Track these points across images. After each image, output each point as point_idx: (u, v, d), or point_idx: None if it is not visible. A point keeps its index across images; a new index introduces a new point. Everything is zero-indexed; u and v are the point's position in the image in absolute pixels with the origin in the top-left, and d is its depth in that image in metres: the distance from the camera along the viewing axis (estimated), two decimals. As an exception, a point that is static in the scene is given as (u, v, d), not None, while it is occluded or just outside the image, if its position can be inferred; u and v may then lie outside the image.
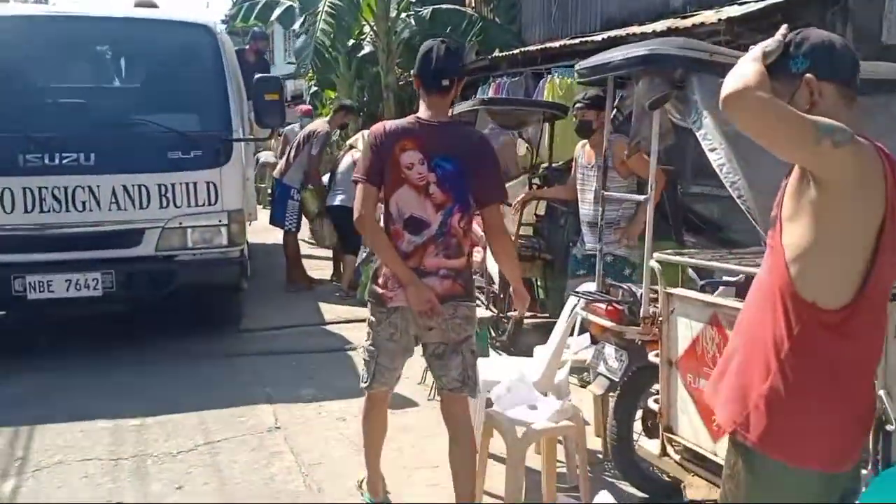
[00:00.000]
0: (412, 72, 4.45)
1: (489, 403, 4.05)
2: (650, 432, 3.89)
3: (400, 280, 3.33)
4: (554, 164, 6.79)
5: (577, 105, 5.47)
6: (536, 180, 7.05)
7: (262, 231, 10.22)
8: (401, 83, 13.50)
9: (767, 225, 3.12)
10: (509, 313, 6.22)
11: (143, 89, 6.68)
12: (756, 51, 2.08)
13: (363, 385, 3.63)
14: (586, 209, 5.52)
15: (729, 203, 6.81)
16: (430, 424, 4.64)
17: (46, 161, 5.70)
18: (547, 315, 6.42)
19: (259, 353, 6.38)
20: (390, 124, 3.41)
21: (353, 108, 9.88)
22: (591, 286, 4.35)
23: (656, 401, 3.68)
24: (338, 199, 8.41)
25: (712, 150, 3.36)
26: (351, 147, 8.77)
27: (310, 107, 14.18)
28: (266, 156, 13.81)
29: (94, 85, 6.62)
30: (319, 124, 8.88)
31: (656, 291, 3.63)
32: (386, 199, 3.39)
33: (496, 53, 10.21)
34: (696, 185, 7.40)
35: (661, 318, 3.51)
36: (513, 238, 6.18)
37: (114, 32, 6.53)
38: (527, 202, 6.20)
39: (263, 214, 10.22)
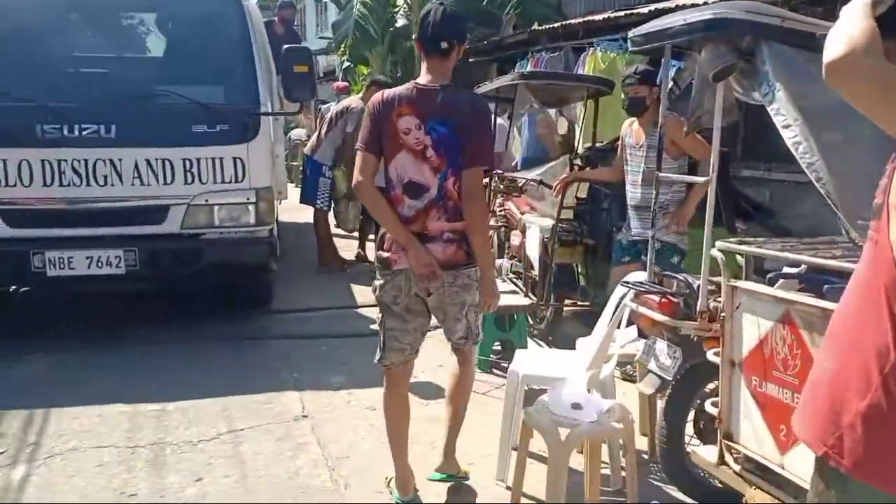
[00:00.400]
0: (413, 36, 4.27)
1: (527, 399, 3.78)
2: (704, 436, 3.58)
3: (401, 244, 3.35)
4: (597, 144, 6.43)
5: (628, 80, 5.13)
6: (578, 161, 6.70)
7: (293, 210, 10.00)
8: (435, 59, 13.12)
9: (853, 213, 2.86)
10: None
11: (167, 59, 6.42)
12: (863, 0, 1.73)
13: (377, 360, 3.57)
14: (633, 192, 5.20)
15: (783, 187, 6.55)
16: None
17: (65, 132, 5.47)
18: (588, 304, 6.08)
19: (288, 337, 6.14)
20: (389, 92, 3.42)
21: (387, 83, 9.50)
22: (639, 275, 4.02)
23: (714, 404, 3.35)
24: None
25: (786, 126, 3.01)
26: None
27: (346, 83, 13.89)
28: (298, 133, 13.56)
29: (114, 54, 6.36)
30: (354, 100, 8.57)
31: (715, 283, 3.31)
32: (386, 166, 3.39)
33: (534, 27, 9.80)
34: (747, 167, 7.03)
35: (723, 314, 3.18)
36: (554, 221, 5.85)
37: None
38: (568, 184, 5.86)
39: (294, 192, 9.96)
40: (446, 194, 3.34)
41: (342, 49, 14.38)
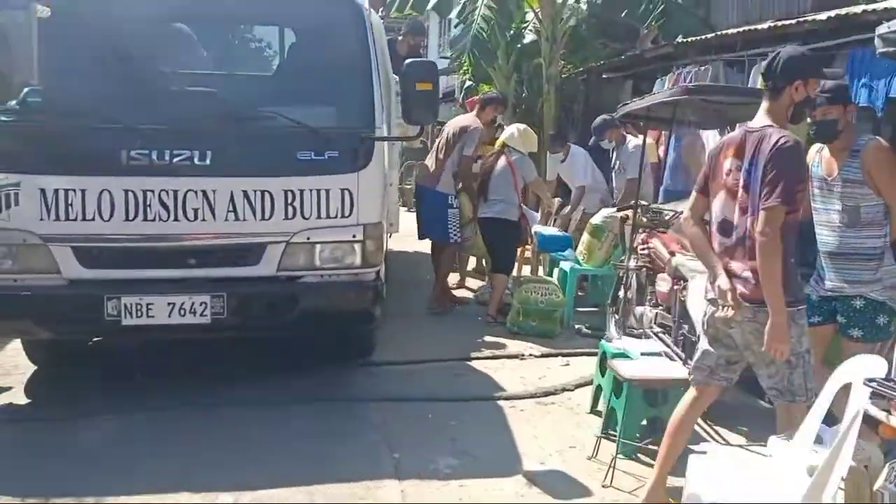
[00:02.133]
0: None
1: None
2: None
3: (710, 272, 3.60)
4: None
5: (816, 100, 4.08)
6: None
7: (401, 237, 9.13)
8: (564, 76, 12.20)
9: None
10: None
11: (270, 75, 5.71)
12: None
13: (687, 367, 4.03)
14: (828, 236, 4.14)
15: None
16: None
17: (154, 159, 4.76)
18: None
19: (389, 399, 5.27)
20: (730, 135, 3.72)
21: (501, 100, 8.70)
22: (875, 364, 2.92)
23: None
24: (493, 211, 7.26)
25: None
26: (505, 146, 7.56)
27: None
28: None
29: (212, 69, 5.69)
30: (470, 119, 7.76)
31: None
32: (710, 203, 3.66)
33: (679, 39, 8.72)
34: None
35: None
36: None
37: (237, 5, 5.51)
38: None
39: (406, 218, 9.13)
40: (748, 234, 3.43)
41: (463, 67, 13.59)
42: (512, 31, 12.80)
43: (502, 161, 7.40)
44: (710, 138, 7.58)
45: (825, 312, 4.20)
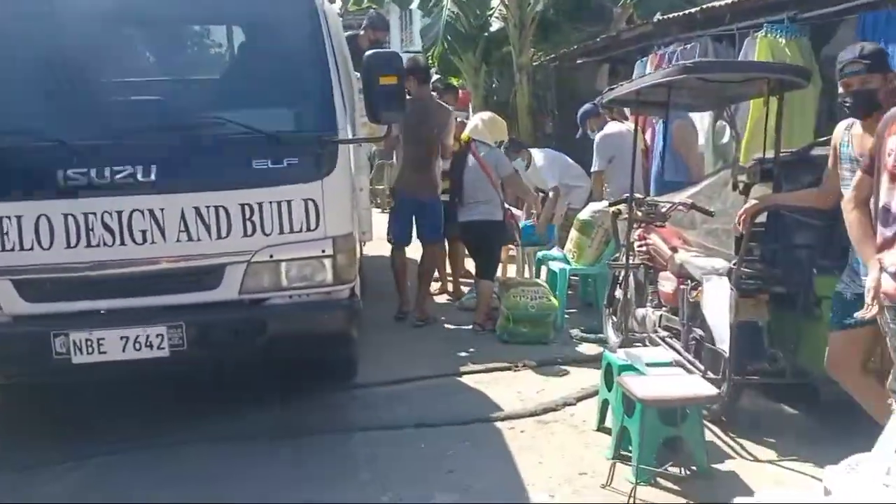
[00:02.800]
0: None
1: None
2: None
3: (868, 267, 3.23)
4: (783, 154, 4.80)
5: (850, 68, 3.59)
6: (744, 177, 5.10)
7: (376, 242, 8.50)
8: (535, 64, 11.73)
9: None
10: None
11: (219, 77, 5.17)
12: None
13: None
14: None
15: None
16: None
17: (94, 177, 4.24)
18: (784, 377, 4.44)
19: (377, 428, 4.74)
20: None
21: (454, 87, 8.34)
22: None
23: None
24: (475, 214, 6.73)
25: None
26: (471, 140, 6.99)
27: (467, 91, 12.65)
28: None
29: (154, 76, 5.13)
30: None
31: None
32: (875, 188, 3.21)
33: (658, 17, 8.23)
34: None
35: None
36: (732, 265, 4.35)
37: (180, 6, 4.91)
38: (757, 214, 4.31)
39: (380, 221, 8.52)
40: None
41: (431, 60, 13.09)
42: (478, 20, 12.29)
43: (471, 158, 6.85)
44: (699, 121, 7.16)
45: None
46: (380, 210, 10.93)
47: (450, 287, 8.09)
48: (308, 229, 4.46)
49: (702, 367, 4.45)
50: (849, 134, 3.75)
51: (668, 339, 4.95)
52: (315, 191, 4.45)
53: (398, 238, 7.09)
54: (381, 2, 13.94)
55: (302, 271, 4.49)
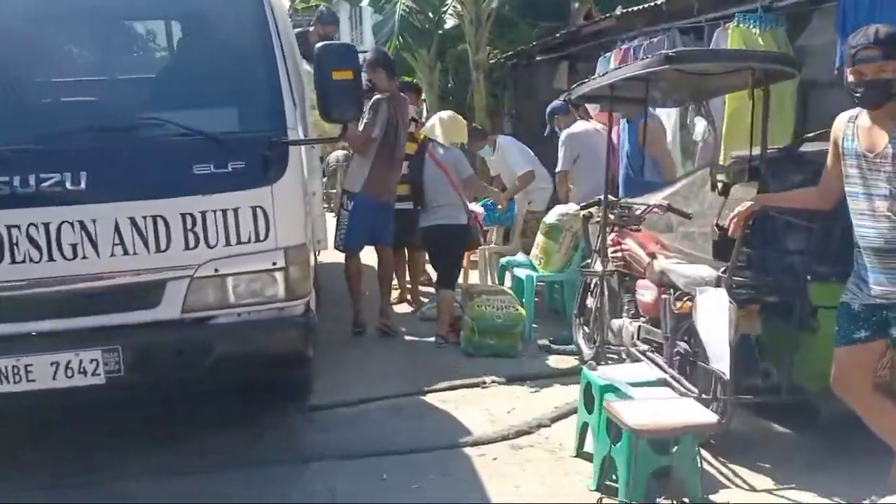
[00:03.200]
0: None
1: None
2: None
3: None
4: (770, 150, 4.50)
5: (863, 54, 3.26)
6: (723, 176, 4.80)
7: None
8: (492, 62, 11.42)
9: None
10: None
11: (156, 76, 4.76)
12: None
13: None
14: (873, 227, 3.31)
15: None
16: None
17: (17, 186, 3.84)
18: (779, 395, 4.11)
19: (335, 457, 4.32)
20: None
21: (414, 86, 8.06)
22: None
23: None
24: (436, 218, 6.35)
25: None
26: (428, 141, 6.63)
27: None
28: (337, 157, 11.86)
29: (84, 75, 4.70)
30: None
31: None
32: None
33: (619, 11, 7.95)
34: None
35: None
36: (724, 274, 4.03)
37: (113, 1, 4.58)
38: (752, 217, 3.95)
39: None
40: None
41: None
42: (432, 17, 11.96)
43: (428, 160, 6.49)
44: (666, 119, 6.90)
45: (873, 325, 3.37)
46: (333, 214, 10.48)
47: (408, 296, 7.71)
48: (257, 240, 4.09)
49: (691, 387, 4.12)
50: (853, 126, 3.42)
51: (648, 353, 4.63)
52: (264, 197, 4.09)
53: (357, 244, 6.68)
54: (329, 0, 13.58)
55: (251, 286, 4.13)
